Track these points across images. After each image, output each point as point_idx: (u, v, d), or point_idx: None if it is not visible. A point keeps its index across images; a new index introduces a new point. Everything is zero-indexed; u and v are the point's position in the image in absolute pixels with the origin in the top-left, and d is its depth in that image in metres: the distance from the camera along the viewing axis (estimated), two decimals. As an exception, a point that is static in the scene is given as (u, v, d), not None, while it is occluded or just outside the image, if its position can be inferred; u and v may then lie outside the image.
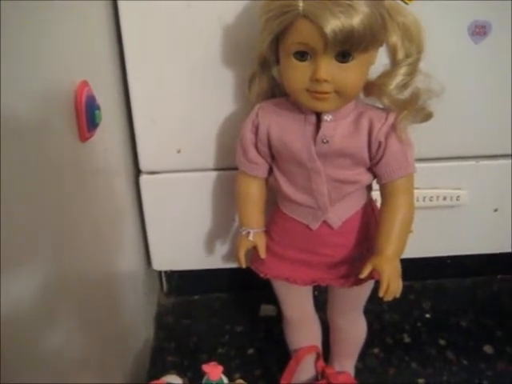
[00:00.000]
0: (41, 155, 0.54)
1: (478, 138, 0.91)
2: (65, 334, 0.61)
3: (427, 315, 1.17)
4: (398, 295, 0.72)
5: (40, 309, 0.54)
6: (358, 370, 1.01)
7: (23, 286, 0.50)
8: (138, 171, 0.94)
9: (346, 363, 0.99)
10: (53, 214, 0.57)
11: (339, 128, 0.72)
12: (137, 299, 1.02)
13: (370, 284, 0.85)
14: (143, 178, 0.94)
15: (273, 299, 0.96)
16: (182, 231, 1.00)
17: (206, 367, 0.84)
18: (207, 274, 1.10)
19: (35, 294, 0.53)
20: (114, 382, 0.83)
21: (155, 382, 0.83)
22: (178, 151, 0.90)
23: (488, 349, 1.08)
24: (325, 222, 0.78)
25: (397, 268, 0.73)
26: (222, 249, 1.02)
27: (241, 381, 0.90)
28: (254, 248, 0.83)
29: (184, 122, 0.88)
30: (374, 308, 1.13)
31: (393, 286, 0.71)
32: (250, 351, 1.10)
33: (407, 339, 1.11)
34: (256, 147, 0.78)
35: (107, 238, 0.81)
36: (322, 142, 0.72)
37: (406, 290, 0.75)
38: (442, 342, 1.10)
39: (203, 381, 0.84)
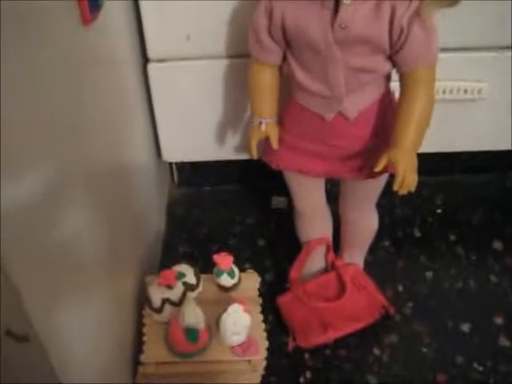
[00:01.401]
0: (42, 41, 0.51)
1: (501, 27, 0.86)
2: (76, 225, 0.61)
3: (438, 210, 1.17)
4: (412, 189, 0.72)
5: (51, 196, 0.53)
6: (367, 263, 1.03)
7: (35, 173, 0.50)
8: (145, 59, 0.91)
9: (356, 254, 1.01)
10: (57, 104, 0.55)
11: (358, 12, 0.68)
12: (148, 190, 1.02)
13: (384, 178, 0.84)
14: (151, 66, 0.91)
15: (284, 191, 0.95)
16: (193, 121, 0.98)
17: (216, 257, 0.85)
18: (218, 165, 1.10)
19: (47, 181, 0.52)
20: (127, 272, 0.84)
21: (167, 270, 0.84)
22: (188, 37, 0.87)
23: (497, 245, 1.09)
24: (340, 112, 0.75)
25: (413, 161, 0.72)
26: (233, 140, 1.01)
27: (251, 271, 0.92)
28: (266, 139, 0.81)
29: (193, 5, 0.83)
30: (386, 202, 1.12)
31: (408, 179, 0.71)
32: (261, 242, 1.11)
33: (417, 233, 1.12)
34: (269, 33, 0.74)
35: (117, 127, 0.79)
36: (340, 27, 0.68)
37: (419, 185, 0.73)
38: (452, 237, 1.11)
39: (214, 270, 0.86)
